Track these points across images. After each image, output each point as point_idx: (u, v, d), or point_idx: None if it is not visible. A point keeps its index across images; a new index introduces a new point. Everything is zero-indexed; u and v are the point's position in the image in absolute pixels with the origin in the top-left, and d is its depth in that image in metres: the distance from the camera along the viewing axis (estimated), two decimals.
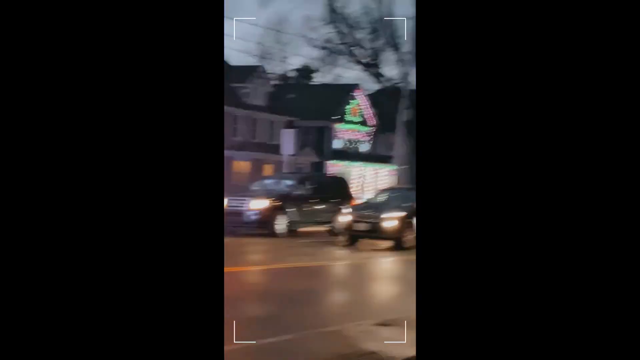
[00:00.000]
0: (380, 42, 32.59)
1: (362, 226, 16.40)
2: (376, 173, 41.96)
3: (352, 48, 32.92)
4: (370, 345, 6.70)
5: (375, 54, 32.84)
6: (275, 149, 35.35)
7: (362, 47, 32.82)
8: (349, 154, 42.66)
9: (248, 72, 39.39)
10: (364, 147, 44.12)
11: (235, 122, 38.72)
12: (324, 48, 33.85)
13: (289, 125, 35.90)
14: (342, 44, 32.88)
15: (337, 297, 9.96)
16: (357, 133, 43.59)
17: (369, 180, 41.00)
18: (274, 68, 48.69)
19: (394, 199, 17.81)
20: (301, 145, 41.34)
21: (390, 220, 16.18)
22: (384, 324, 7.59)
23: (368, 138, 44.17)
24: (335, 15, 31.84)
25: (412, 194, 18.45)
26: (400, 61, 31.67)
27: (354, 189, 35.10)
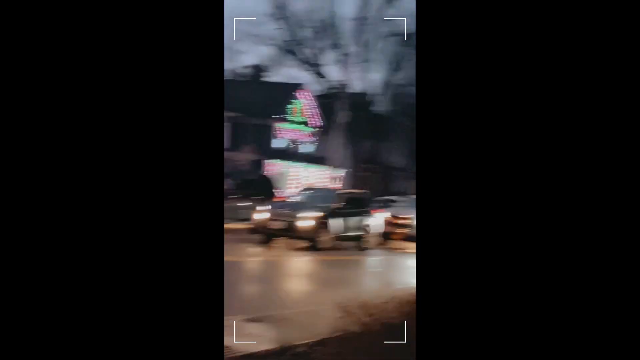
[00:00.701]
0: (324, 43, 32.53)
1: (277, 224, 16.20)
2: (316, 174, 41.86)
3: (296, 47, 32.77)
4: (226, 341, 6.53)
5: (319, 54, 32.76)
6: None
7: (306, 46, 32.72)
8: (290, 154, 42.43)
9: None
10: (306, 148, 43.94)
11: None
12: (268, 45, 33.61)
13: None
14: (287, 41, 32.72)
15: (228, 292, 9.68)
16: (299, 133, 43.37)
17: (307, 182, 40.86)
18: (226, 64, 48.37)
19: (313, 199, 17.67)
20: (241, 142, 41.00)
21: (306, 220, 16.01)
22: (252, 320, 7.43)
23: (310, 139, 44.01)
24: (280, 12, 31.64)
25: (332, 194, 18.34)
26: (342, 62, 31.64)
27: (290, 189, 34.97)
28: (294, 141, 43.07)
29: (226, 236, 15.39)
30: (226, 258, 12.19)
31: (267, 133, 42.05)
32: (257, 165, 40.17)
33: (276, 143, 42.12)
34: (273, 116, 41.46)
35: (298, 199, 18.38)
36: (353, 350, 4.69)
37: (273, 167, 41.12)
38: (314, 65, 32.97)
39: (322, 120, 42.51)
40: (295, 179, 40.62)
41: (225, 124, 29.01)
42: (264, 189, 20.06)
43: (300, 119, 42.92)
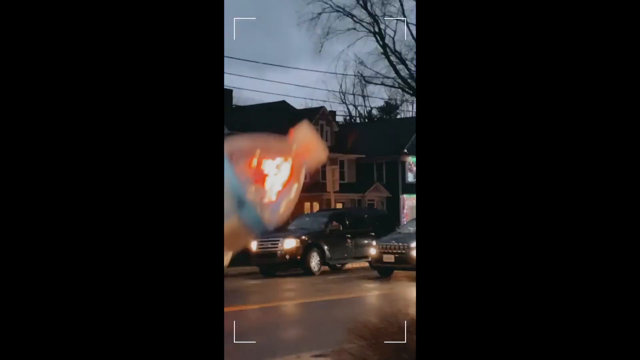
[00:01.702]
0: None
1: (390, 257, 16.19)
2: None
3: (407, 80, 32.87)
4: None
5: None
6: (345, 187, 35.42)
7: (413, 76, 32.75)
8: None
9: (312, 114, 39.85)
10: None
11: None
12: (382, 84, 33.93)
13: (334, 162, 35.90)
14: (395, 76, 32.92)
15: (297, 330, 9.76)
16: None
17: None
18: (352, 110, 49.09)
19: None
20: (373, 181, 41.26)
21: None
22: (321, 355, 7.45)
23: None
24: (386, 50, 31.91)
25: None
26: None
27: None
28: None
29: (346, 275, 15.30)
30: (340, 296, 12.09)
31: (398, 169, 42.17)
32: (391, 201, 40.18)
33: (411, 177, 42.07)
34: (403, 151, 41.56)
35: (407, 230, 18.26)
36: None
37: (409, 201, 40.97)
38: None
39: None
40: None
41: (331, 166, 29.32)
42: (381, 224, 20.09)
43: None
